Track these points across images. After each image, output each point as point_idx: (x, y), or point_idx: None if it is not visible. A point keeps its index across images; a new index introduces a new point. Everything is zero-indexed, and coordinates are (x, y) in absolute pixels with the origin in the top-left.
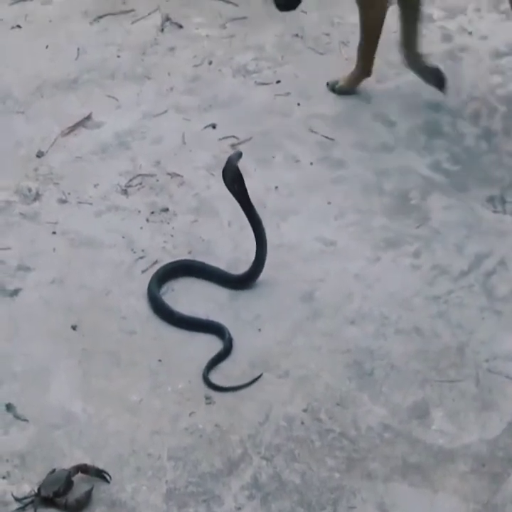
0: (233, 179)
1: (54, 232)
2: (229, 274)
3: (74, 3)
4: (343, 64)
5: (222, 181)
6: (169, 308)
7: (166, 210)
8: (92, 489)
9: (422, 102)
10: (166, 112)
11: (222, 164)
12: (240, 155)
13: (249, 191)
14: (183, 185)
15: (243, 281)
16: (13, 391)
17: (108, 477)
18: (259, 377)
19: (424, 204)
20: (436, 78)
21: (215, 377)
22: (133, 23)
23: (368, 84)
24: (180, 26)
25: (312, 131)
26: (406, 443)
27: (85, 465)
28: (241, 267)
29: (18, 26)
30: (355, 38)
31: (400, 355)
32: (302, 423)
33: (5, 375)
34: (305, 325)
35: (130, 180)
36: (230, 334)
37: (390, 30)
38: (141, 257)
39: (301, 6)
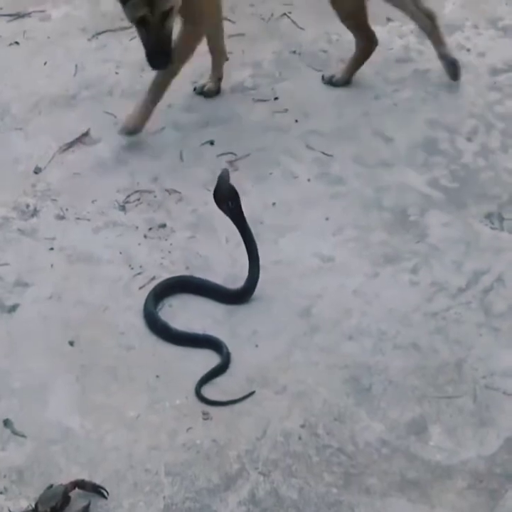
0: (229, 197)
1: (52, 248)
2: (225, 289)
3: (72, 20)
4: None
5: (215, 195)
6: (165, 325)
7: (164, 226)
8: (89, 505)
9: (420, 119)
10: (164, 128)
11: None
12: (228, 172)
13: (245, 208)
14: (181, 201)
15: (239, 297)
16: (11, 407)
17: (105, 493)
18: (252, 393)
19: (422, 220)
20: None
21: (213, 392)
22: (131, 39)
23: (366, 100)
24: None
25: (310, 147)
26: (404, 458)
27: (82, 480)
28: (238, 283)
29: (17, 43)
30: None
31: (397, 371)
32: (300, 438)
33: (3, 390)
34: (303, 340)
35: (128, 196)
36: (227, 349)
37: (387, 47)
38: (139, 273)
39: (299, 23)
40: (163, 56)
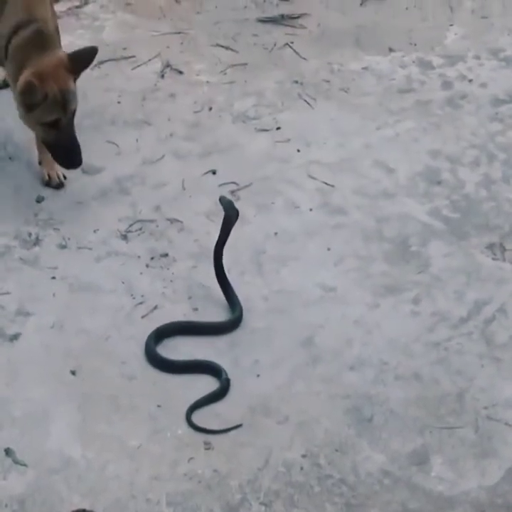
0: (236, 219)
1: (54, 277)
2: (216, 323)
3: (75, 49)
4: (346, 109)
5: (226, 225)
6: (161, 357)
7: (166, 255)
8: None
9: (421, 149)
10: (165, 157)
11: (223, 211)
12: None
13: (248, 237)
14: (183, 231)
15: (231, 326)
16: (12, 436)
17: None
18: (239, 426)
19: (424, 251)
20: None
21: (214, 421)
22: (133, 68)
23: (368, 130)
24: (181, 72)
25: (312, 177)
26: (405, 489)
27: (84, 510)
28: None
29: None
30: (355, 85)
31: (399, 402)
32: (301, 468)
33: (4, 419)
34: (304, 370)
35: (130, 225)
36: (226, 374)
37: (389, 77)
38: (141, 303)
39: (302, 53)
40: (79, 153)
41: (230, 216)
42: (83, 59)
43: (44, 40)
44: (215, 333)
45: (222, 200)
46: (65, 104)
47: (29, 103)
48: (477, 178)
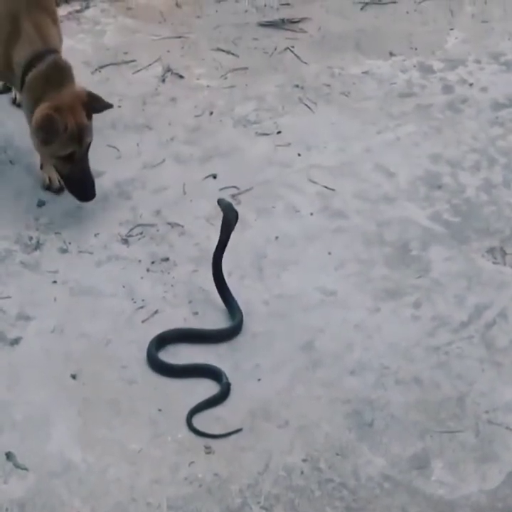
0: (237, 220)
1: (54, 281)
2: (215, 331)
3: (76, 53)
4: (347, 113)
5: (226, 227)
6: (162, 361)
7: (167, 259)
8: None
9: (422, 153)
10: (166, 161)
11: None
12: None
13: (248, 241)
14: (184, 235)
15: (231, 333)
16: (13, 440)
17: None
18: (239, 430)
19: (424, 255)
20: None
21: (214, 426)
22: (134, 73)
23: (368, 135)
24: (181, 77)
25: (312, 181)
26: (406, 493)
27: None
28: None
29: None
30: (356, 89)
31: (399, 406)
32: (302, 473)
33: (5, 423)
34: (305, 375)
35: (130, 229)
36: (227, 378)
37: (390, 81)
38: (142, 307)
39: (302, 57)
40: (93, 186)
41: (230, 219)
42: (100, 104)
43: (61, 73)
44: (215, 341)
45: (221, 202)
46: (81, 138)
47: (46, 136)
48: (478, 183)
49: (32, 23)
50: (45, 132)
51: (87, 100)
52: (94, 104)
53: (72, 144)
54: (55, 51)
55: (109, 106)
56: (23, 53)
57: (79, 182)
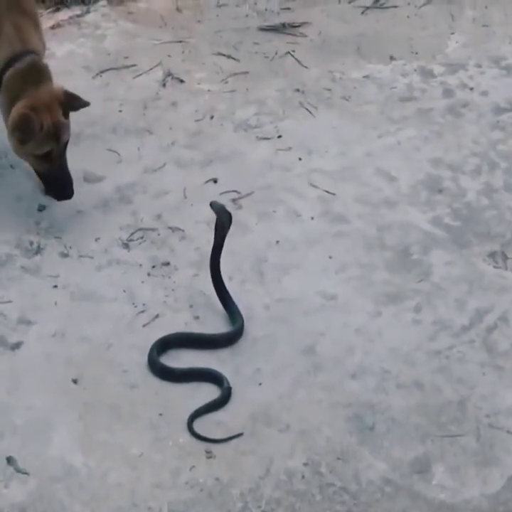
0: (230, 222)
1: (55, 286)
2: (217, 335)
3: (76, 58)
4: (348, 117)
5: (220, 230)
6: (163, 365)
7: (167, 264)
8: None
9: (423, 158)
10: (167, 166)
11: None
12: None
13: (249, 245)
14: (185, 239)
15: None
16: (14, 444)
17: None
18: (240, 435)
19: (425, 259)
20: None
21: (216, 430)
22: (135, 77)
23: (369, 139)
24: (182, 81)
25: (313, 185)
26: (407, 497)
27: None
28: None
29: None
30: (356, 93)
31: (400, 410)
32: (303, 477)
33: (6, 428)
34: (306, 379)
35: (131, 234)
36: (228, 382)
37: (390, 85)
38: (143, 311)
39: (303, 61)
40: (70, 184)
41: (223, 221)
42: (77, 102)
43: (39, 73)
44: (217, 346)
45: (214, 205)
46: (58, 136)
47: (23, 135)
48: (478, 187)
49: (12, 24)
50: (22, 131)
51: (63, 99)
52: (71, 102)
53: (49, 143)
54: (34, 52)
55: (86, 104)
56: (2, 53)
57: (57, 181)
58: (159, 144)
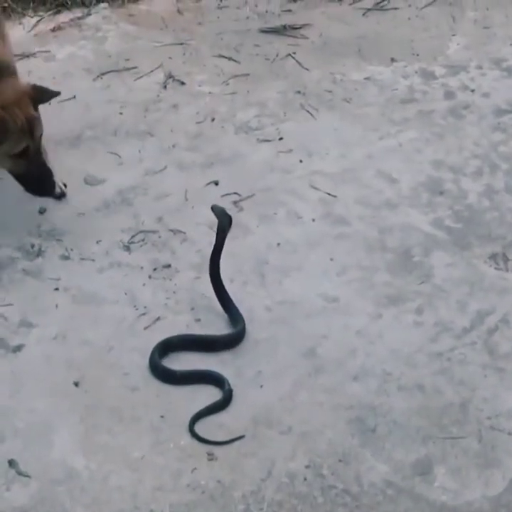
0: (230, 227)
1: (57, 289)
2: (218, 336)
3: (77, 60)
4: (349, 119)
5: (221, 233)
6: (164, 367)
7: (169, 266)
8: None
9: (424, 159)
10: (168, 168)
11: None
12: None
13: (250, 248)
14: (186, 241)
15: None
16: (15, 447)
17: None
18: (241, 437)
19: (426, 261)
20: None
21: (217, 432)
22: (136, 80)
23: (370, 141)
24: (183, 83)
25: (314, 187)
26: (409, 499)
27: None
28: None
29: None
30: (357, 95)
31: (402, 412)
32: (305, 479)
33: (7, 431)
34: (307, 381)
35: (132, 236)
36: (229, 385)
37: (392, 87)
38: (144, 314)
39: (304, 63)
40: (50, 177)
41: (224, 225)
42: (46, 94)
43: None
44: (219, 348)
45: (215, 209)
46: (32, 131)
47: None
48: (480, 188)
49: None
50: None
51: (32, 93)
52: (41, 95)
53: (24, 139)
54: None
55: (55, 94)
56: None
57: (36, 177)
58: (160, 147)
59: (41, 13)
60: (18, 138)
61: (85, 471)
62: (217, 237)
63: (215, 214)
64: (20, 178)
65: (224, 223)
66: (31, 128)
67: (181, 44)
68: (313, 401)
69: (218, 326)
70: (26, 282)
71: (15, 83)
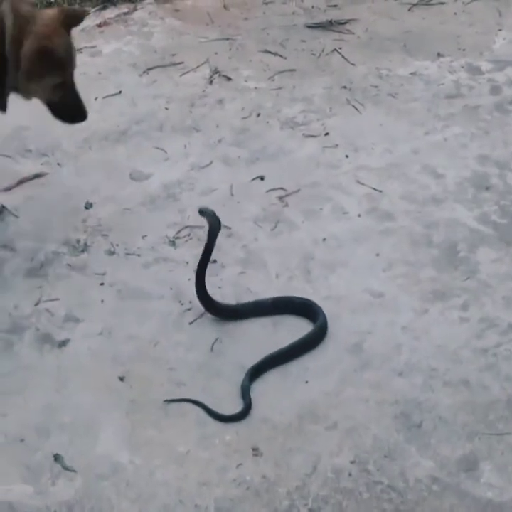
0: (219, 229)
1: (102, 284)
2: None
3: (123, 56)
4: (395, 114)
5: (212, 236)
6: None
7: (214, 261)
8: None
9: (469, 155)
10: (214, 163)
11: (271, 216)
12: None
13: (296, 243)
14: (231, 236)
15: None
16: (61, 442)
17: None
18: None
19: (472, 256)
20: None
21: (263, 428)
22: (182, 75)
23: (416, 136)
24: (229, 78)
25: (360, 183)
26: (454, 496)
27: None
28: (287, 320)
29: None
30: (403, 90)
31: (448, 408)
32: (350, 475)
33: (53, 425)
34: (353, 376)
35: (178, 231)
36: (324, 316)
37: (438, 82)
38: (189, 309)
39: (350, 58)
40: (83, 105)
41: (215, 227)
42: (76, 16)
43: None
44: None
45: (205, 211)
46: (72, 60)
47: (41, 69)
48: None
49: None
50: (42, 65)
51: (63, 18)
52: (71, 20)
53: (67, 68)
54: None
55: (85, 13)
56: None
57: (70, 106)
58: (206, 142)
59: (88, 9)
60: (61, 68)
61: (130, 465)
62: (208, 239)
63: (205, 217)
64: (56, 107)
65: (215, 226)
66: (72, 57)
67: (227, 39)
68: (359, 396)
69: (262, 322)
70: (72, 277)
71: (49, 12)
